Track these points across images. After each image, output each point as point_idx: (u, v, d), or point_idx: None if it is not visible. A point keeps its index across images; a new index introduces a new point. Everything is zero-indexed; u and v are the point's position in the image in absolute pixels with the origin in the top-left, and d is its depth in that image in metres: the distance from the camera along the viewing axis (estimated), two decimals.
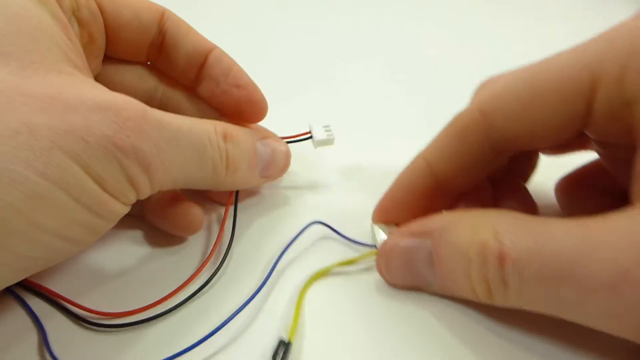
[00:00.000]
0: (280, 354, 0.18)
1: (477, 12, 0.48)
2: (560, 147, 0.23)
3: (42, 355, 0.19)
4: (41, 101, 0.16)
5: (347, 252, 0.23)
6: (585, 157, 0.24)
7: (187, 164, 0.20)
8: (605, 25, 0.18)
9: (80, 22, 0.21)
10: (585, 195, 0.23)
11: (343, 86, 0.37)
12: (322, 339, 0.20)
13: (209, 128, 0.21)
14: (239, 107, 0.25)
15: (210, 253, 0.23)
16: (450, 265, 0.19)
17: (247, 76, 0.25)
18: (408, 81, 0.38)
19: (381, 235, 0.22)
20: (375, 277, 0.22)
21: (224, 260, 0.22)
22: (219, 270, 0.22)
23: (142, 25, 0.23)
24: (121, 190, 0.18)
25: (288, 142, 0.26)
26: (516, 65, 0.20)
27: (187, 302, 0.21)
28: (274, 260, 0.22)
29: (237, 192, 0.24)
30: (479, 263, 0.17)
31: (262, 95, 0.25)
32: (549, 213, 0.25)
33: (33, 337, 0.19)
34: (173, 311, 0.20)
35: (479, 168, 0.21)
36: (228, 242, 0.23)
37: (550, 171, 0.25)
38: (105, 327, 0.20)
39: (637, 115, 0.16)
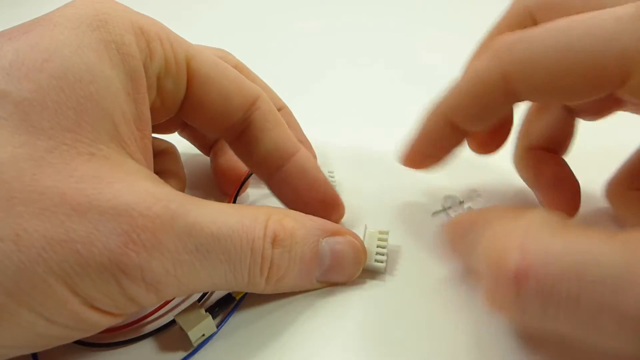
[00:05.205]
0: (221, 302, 0.20)
1: (478, 11, 0.48)
2: (595, 112, 0.23)
3: None
4: (47, 200, 0.14)
5: None
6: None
7: (214, 276, 0.17)
8: None
9: (160, 91, 0.19)
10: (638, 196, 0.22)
11: (341, 89, 0.37)
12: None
13: (258, 230, 0.18)
14: (312, 206, 0.22)
15: None
16: (480, 267, 0.17)
17: (330, 186, 0.23)
18: (409, 84, 0.37)
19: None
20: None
21: None
22: None
23: (227, 110, 0.21)
24: (115, 307, 0.16)
25: None
26: None
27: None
28: None
29: (237, 191, 0.24)
30: (491, 277, 0.16)
31: (339, 200, 0.23)
32: (597, 214, 0.24)
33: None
34: (169, 327, 0.20)
35: (496, 118, 0.20)
36: None
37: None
38: (97, 346, 0.19)
39: None
